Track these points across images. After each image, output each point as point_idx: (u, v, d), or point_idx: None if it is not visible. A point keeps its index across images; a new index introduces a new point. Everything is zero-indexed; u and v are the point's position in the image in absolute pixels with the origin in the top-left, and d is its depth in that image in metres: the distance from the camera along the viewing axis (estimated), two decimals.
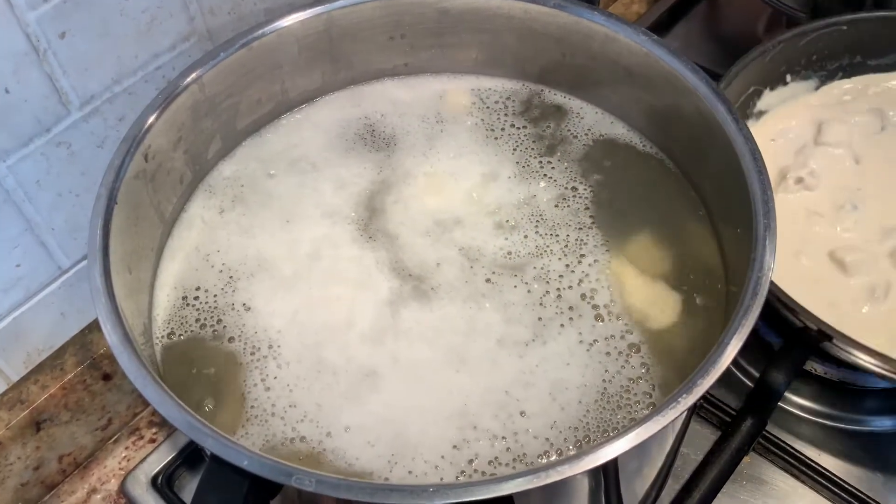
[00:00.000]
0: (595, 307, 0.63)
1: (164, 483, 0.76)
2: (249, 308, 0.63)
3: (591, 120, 0.73)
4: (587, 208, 0.68)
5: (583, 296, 0.63)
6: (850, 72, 0.90)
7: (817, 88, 0.90)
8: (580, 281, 0.64)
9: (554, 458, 0.56)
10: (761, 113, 0.88)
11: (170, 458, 0.77)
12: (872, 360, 0.67)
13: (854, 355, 0.68)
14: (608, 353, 0.60)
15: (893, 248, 0.78)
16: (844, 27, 0.87)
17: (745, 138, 0.59)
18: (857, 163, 0.84)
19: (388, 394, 0.59)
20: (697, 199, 0.68)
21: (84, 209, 0.68)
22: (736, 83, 0.82)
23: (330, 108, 0.74)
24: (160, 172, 0.63)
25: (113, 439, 0.81)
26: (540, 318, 0.62)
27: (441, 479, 0.55)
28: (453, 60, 0.75)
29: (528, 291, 0.63)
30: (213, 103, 0.66)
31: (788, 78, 0.89)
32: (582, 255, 0.65)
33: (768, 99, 0.89)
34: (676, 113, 0.66)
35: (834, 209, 0.81)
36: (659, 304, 0.63)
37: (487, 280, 0.64)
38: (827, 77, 0.90)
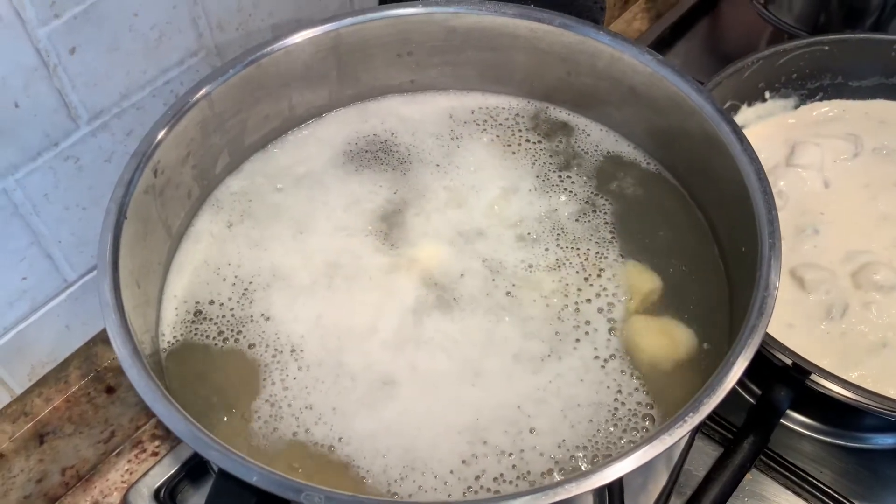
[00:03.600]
0: (611, 320, 0.63)
1: (167, 496, 0.76)
2: (269, 317, 0.63)
3: (596, 137, 0.74)
4: (607, 223, 0.68)
5: (599, 309, 0.64)
6: (830, 92, 0.91)
7: (796, 107, 0.91)
8: (598, 294, 0.64)
9: (557, 476, 0.56)
10: None
11: (173, 471, 0.77)
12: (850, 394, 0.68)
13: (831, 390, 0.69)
14: (622, 371, 0.60)
15: (855, 269, 0.79)
16: (826, 47, 0.87)
17: (749, 158, 0.60)
18: (826, 187, 0.85)
19: (403, 403, 0.59)
20: (702, 217, 0.68)
21: (91, 223, 0.68)
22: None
23: (337, 124, 0.75)
24: (169, 187, 0.63)
25: (116, 452, 0.81)
26: (557, 333, 0.62)
27: (449, 494, 0.55)
28: (459, 77, 0.76)
29: (547, 305, 0.64)
30: (221, 119, 0.66)
31: (767, 95, 0.89)
32: (601, 270, 0.66)
33: (745, 114, 0.90)
34: (681, 132, 0.67)
35: (795, 232, 0.82)
36: (667, 330, 0.63)
37: (508, 293, 0.65)
38: (807, 96, 0.91)
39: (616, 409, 0.59)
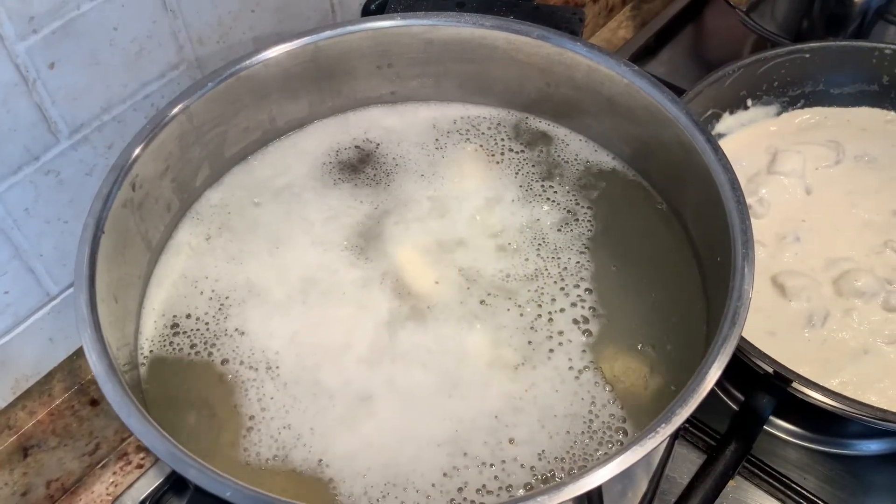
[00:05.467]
0: (587, 332, 0.63)
1: None
2: (244, 332, 0.63)
3: (575, 147, 0.74)
4: (589, 230, 0.69)
5: (575, 321, 0.64)
6: (812, 100, 0.91)
7: (778, 115, 0.91)
8: (573, 304, 0.64)
9: (530, 491, 0.56)
10: (719, 136, 0.89)
11: (157, 483, 0.77)
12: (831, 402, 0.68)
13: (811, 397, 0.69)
14: (596, 383, 0.61)
15: (837, 276, 0.79)
16: (808, 54, 0.88)
17: (724, 168, 0.60)
18: (807, 194, 0.86)
19: (381, 419, 0.59)
20: (679, 227, 0.69)
21: (72, 236, 0.68)
22: (694, 105, 0.83)
23: (318, 135, 0.75)
24: (147, 201, 0.63)
25: (101, 465, 0.81)
26: (530, 342, 0.62)
27: None
28: (440, 89, 0.76)
29: (521, 315, 0.64)
30: (200, 132, 0.67)
31: (749, 103, 0.90)
32: (581, 279, 0.66)
33: (727, 122, 0.90)
34: (658, 142, 0.67)
35: (776, 240, 0.82)
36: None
37: (482, 301, 0.65)
38: (789, 103, 0.91)
39: (591, 420, 0.59)
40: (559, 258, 0.67)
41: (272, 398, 0.60)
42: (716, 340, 0.52)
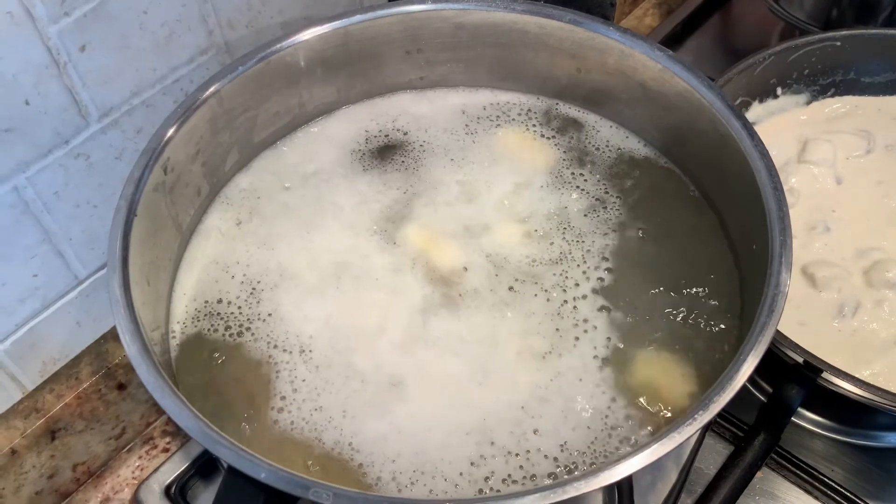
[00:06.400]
0: (611, 317, 0.63)
1: (178, 492, 0.77)
2: (277, 316, 0.63)
3: (606, 134, 0.74)
4: (618, 216, 0.68)
5: (601, 308, 0.63)
6: (842, 88, 0.90)
7: (808, 104, 0.90)
8: (595, 290, 0.64)
9: (564, 478, 0.56)
10: None
11: (183, 467, 0.78)
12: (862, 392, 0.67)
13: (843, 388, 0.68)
14: (620, 373, 0.60)
15: (867, 267, 0.78)
16: (838, 42, 0.87)
17: (760, 154, 0.59)
18: (838, 183, 0.85)
19: (412, 404, 0.59)
20: (713, 215, 0.68)
21: (101, 220, 0.68)
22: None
23: (347, 121, 0.75)
24: (178, 185, 0.63)
25: (126, 448, 0.81)
26: (557, 329, 0.62)
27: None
28: (469, 74, 0.76)
29: (548, 300, 0.63)
30: (230, 116, 0.67)
31: (779, 91, 0.89)
32: (603, 258, 0.66)
33: (757, 111, 0.89)
34: (691, 128, 0.66)
35: (806, 230, 0.81)
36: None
37: (510, 288, 0.64)
38: (819, 92, 0.90)
39: (607, 415, 0.58)
40: (583, 241, 0.67)
41: (304, 380, 0.60)
42: (753, 328, 0.51)
